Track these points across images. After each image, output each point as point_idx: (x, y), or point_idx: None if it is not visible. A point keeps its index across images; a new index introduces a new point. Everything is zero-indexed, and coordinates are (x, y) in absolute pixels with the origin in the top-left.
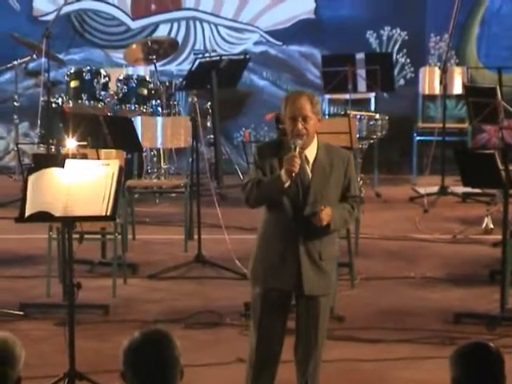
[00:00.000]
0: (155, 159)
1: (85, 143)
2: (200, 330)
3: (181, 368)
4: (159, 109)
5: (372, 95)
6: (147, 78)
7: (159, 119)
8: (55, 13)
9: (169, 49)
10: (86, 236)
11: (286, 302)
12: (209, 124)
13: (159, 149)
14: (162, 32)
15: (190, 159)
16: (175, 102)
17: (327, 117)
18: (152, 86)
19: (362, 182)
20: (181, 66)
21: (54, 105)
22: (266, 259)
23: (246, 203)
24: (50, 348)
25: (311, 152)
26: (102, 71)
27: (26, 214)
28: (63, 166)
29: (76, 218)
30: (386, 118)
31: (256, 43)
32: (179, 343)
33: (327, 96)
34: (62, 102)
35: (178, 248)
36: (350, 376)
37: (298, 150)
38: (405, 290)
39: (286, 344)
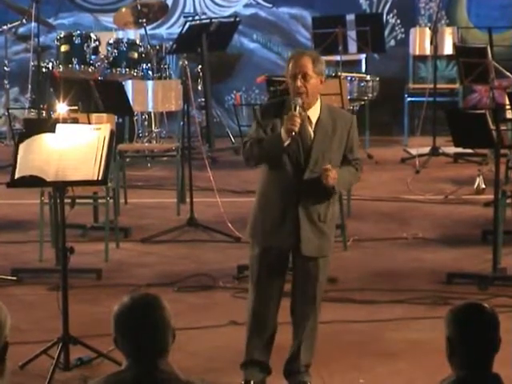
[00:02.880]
0: (146, 123)
1: (75, 108)
2: (193, 293)
3: (172, 330)
4: (150, 72)
5: (363, 56)
6: (137, 42)
7: (150, 83)
8: None
9: (158, 12)
10: (77, 200)
11: (283, 263)
12: (200, 87)
13: (150, 112)
14: None
15: (181, 123)
16: (166, 66)
17: None
18: (142, 49)
19: None
20: (171, 29)
21: (44, 69)
22: (266, 219)
23: (246, 162)
24: (44, 313)
25: (314, 112)
26: (92, 35)
27: (17, 176)
28: (54, 131)
29: (68, 183)
30: (377, 79)
31: (246, 5)
32: (170, 306)
33: None
34: (53, 67)
35: (170, 211)
36: (342, 337)
37: (298, 109)
38: (397, 251)
39: (281, 306)
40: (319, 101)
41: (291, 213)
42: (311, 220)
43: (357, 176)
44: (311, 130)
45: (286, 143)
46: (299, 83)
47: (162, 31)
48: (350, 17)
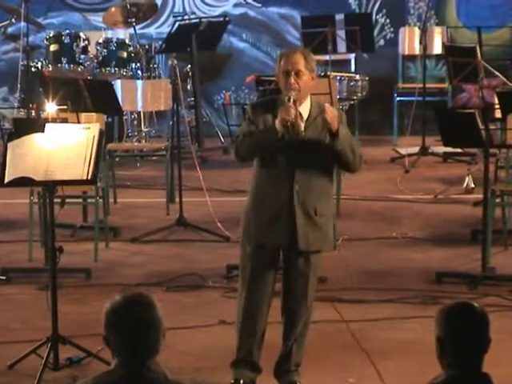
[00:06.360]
0: (136, 122)
1: (65, 107)
2: (182, 292)
3: (163, 330)
4: (139, 72)
5: (352, 56)
6: (127, 41)
7: (139, 82)
8: None
9: (148, 12)
10: (67, 200)
11: (275, 261)
12: (189, 87)
13: (140, 112)
14: None
15: (171, 122)
16: (155, 65)
17: None
18: (132, 49)
19: None
20: (160, 28)
21: (33, 69)
22: (260, 218)
23: (236, 155)
24: (33, 312)
25: (305, 109)
26: (82, 35)
27: (7, 179)
28: (43, 131)
29: (57, 182)
30: (367, 78)
31: (235, 5)
32: (161, 306)
33: None
34: (42, 66)
35: (160, 211)
36: (332, 337)
37: (292, 100)
38: (387, 251)
39: (272, 305)
40: (309, 97)
41: (286, 210)
42: (307, 215)
43: (357, 145)
44: (302, 125)
45: (279, 134)
46: (292, 80)
47: (152, 31)
48: (340, 16)
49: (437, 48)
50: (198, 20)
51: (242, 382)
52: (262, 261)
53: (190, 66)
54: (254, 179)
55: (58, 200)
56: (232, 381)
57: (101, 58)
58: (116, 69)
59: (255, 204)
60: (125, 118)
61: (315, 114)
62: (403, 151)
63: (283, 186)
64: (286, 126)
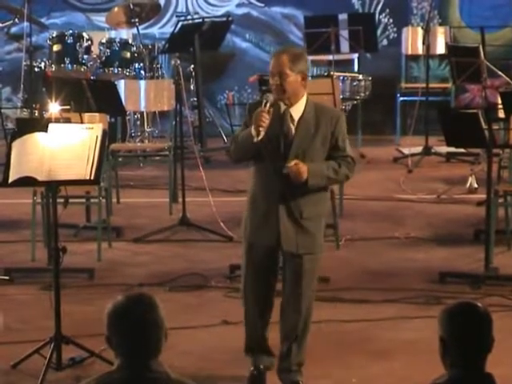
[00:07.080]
0: (139, 123)
1: (68, 107)
2: (185, 292)
3: (165, 330)
4: (142, 72)
5: (355, 56)
6: (130, 42)
7: (142, 82)
8: None
9: (151, 12)
10: (70, 200)
11: (270, 260)
12: (192, 87)
13: (143, 112)
14: None
15: (174, 122)
16: (158, 65)
17: (310, 78)
18: (135, 49)
19: None
20: (163, 28)
21: (36, 69)
22: (253, 217)
23: (229, 157)
24: (36, 312)
25: (297, 110)
26: (85, 35)
27: (10, 179)
28: (46, 131)
29: (60, 182)
30: (370, 78)
31: (238, 5)
32: (163, 306)
33: (310, 57)
34: (45, 67)
35: (163, 211)
36: (335, 337)
37: (268, 105)
38: (389, 251)
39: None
40: (304, 98)
41: (273, 210)
42: (292, 217)
43: (341, 172)
44: (293, 128)
45: (255, 139)
46: (274, 82)
47: (155, 31)
48: (343, 16)
49: (440, 48)
50: (201, 20)
51: (262, 366)
52: (255, 259)
53: (192, 66)
54: (250, 181)
55: (61, 200)
56: (251, 367)
57: (104, 58)
58: (119, 69)
59: (250, 205)
60: (128, 118)
61: (308, 115)
62: (406, 151)
63: (271, 187)
64: (259, 131)
